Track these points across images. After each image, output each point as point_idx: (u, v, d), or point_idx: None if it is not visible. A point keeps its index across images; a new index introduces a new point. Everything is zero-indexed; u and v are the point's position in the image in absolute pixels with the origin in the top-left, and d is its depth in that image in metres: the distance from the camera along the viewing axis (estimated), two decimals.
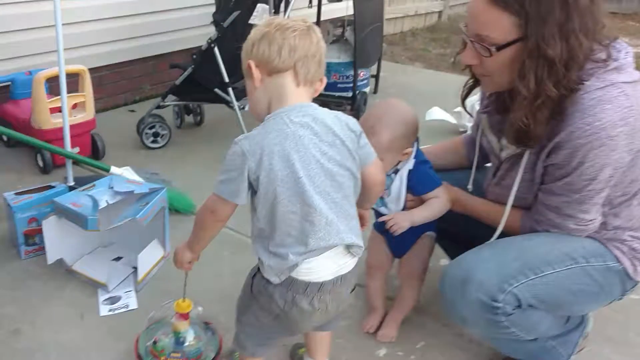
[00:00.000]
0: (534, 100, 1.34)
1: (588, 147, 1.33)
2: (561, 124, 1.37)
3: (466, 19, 1.42)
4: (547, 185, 1.48)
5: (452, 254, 2.05)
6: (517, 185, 1.52)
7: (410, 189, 1.68)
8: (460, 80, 1.69)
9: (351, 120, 1.33)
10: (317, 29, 1.32)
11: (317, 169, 1.25)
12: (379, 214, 1.79)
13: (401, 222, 1.62)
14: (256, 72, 1.29)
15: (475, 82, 1.59)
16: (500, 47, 1.35)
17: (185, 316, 1.64)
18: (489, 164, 1.84)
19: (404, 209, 1.69)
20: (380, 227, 1.83)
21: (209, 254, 2.26)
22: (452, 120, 3.61)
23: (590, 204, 1.44)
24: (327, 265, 1.31)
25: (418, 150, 1.69)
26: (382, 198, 1.70)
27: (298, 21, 1.31)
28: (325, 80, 1.35)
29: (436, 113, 3.64)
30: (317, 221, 1.26)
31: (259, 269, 1.35)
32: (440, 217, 1.70)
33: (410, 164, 1.67)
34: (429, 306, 2.01)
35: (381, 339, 1.87)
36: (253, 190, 1.28)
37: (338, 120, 1.31)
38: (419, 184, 1.67)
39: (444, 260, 2.16)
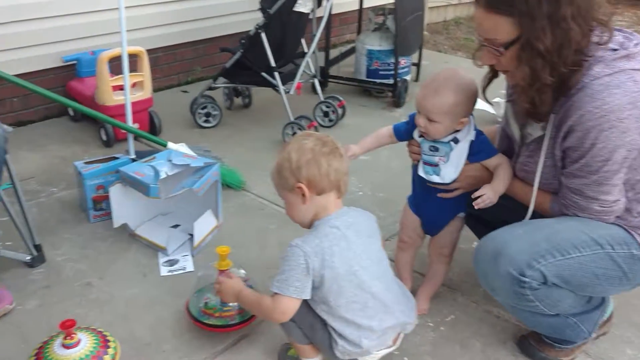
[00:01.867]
0: (529, 88, 1.50)
1: (598, 129, 1.46)
2: (572, 109, 1.49)
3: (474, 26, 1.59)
4: (567, 168, 1.59)
5: (478, 233, 2.16)
6: (540, 171, 1.64)
7: (471, 155, 1.75)
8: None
9: (373, 215, 1.64)
10: (341, 146, 1.56)
11: (367, 260, 1.51)
12: (420, 187, 1.87)
13: (491, 198, 1.68)
14: (307, 193, 1.49)
15: (494, 74, 1.72)
16: (507, 46, 1.50)
17: (224, 274, 1.77)
18: None
19: (456, 178, 1.77)
20: (415, 208, 1.94)
21: (257, 225, 2.48)
22: (491, 110, 3.68)
23: (609, 185, 1.55)
24: (388, 345, 1.59)
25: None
26: (436, 165, 1.78)
27: (329, 141, 1.53)
28: None
29: (477, 103, 3.72)
30: (376, 305, 1.52)
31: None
32: (471, 205, 1.78)
33: (472, 135, 1.74)
34: (460, 284, 2.15)
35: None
36: (314, 286, 1.49)
37: (367, 216, 1.61)
38: (482, 152, 1.75)
39: (477, 242, 2.28)
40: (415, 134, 1.81)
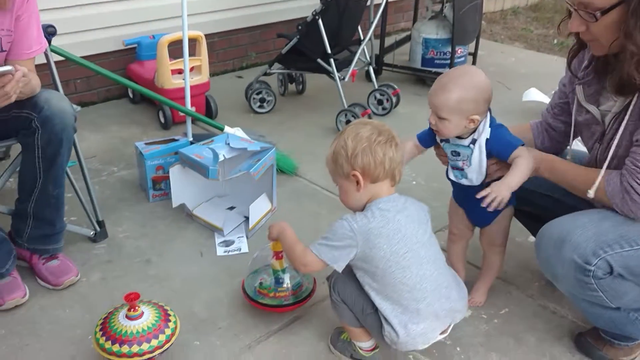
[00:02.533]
0: (631, 59, 1.42)
1: None
2: None
3: None
4: None
5: (533, 229, 2.12)
6: (623, 128, 1.53)
7: (494, 155, 1.70)
8: (562, 61, 1.76)
9: (425, 205, 1.64)
10: (396, 135, 1.54)
11: (417, 244, 1.52)
12: (457, 186, 1.83)
13: (502, 194, 1.62)
14: (362, 181, 1.50)
15: (580, 47, 1.66)
16: (605, 11, 1.42)
17: (278, 255, 1.83)
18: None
19: (486, 176, 1.72)
20: (460, 200, 1.90)
21: (309, 210, 2.50)
22: (547, 101, 3.60)
23: None
24: (437, 330, 1.59)
25: (492, 118, 1.71)
26: (462, 170, 1.75)
27: (385, 130, 1.53)
28: None
29: (533, 94, 3.64)
30: (425, 288, 1.52)
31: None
32: (522, 199, 1.72)
33: (486, 132, 1.69)
34: (515, 277, 2.12)
35: (470, 303, 1.96)
36: (363, 268, 1.53)
37: (419, 205, 1.61)
38: (501, 149, 1.67)
39: (533, 238, 2.25)
40: (438, 138, 1.77)
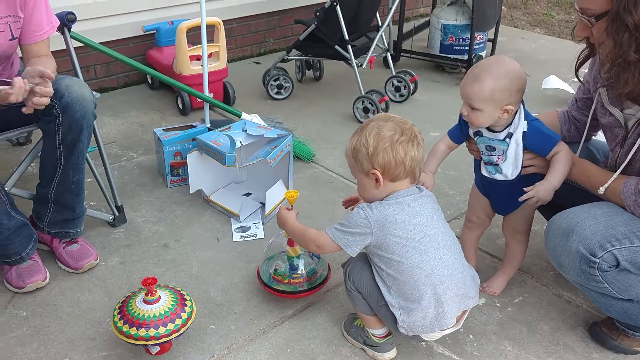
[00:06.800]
0: (612, 64, 1.46)
1: None
2: None
3: None
4: None
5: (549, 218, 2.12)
6: None
7: (532, 150, 1.70)
8: (582, 48, 1.74)
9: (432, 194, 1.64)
10: (419, 132, 1.54)
11: (433, 229, 1.53)
12: (483, 177, 1.81)
13: (545, 196, 1.64)
14: (381, 179, 1.50)
15: (590, 52, 1.65)
16: (598, 18, 1.45)
17: (292, 242, 1.85)
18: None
19: (521, 170, 1.72)
20: (486, 190, 1.89)
21: (325, 197, 2.51)
22: (569, 89, 3.56)
23: None
24: (449, 324, 1.58)
25: (526, 111, 1.70)
26: (496, 165, 1.74)
27: (407, 128, 1.51)
28: None
29: (553, 82, 3.60)
30: (441, 272, 1.52)
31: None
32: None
33: (523, 125, 1.68)
34: (530, 266, 2.11)
35: (485, 291, 1.97)
36: (379, 255, 1.53)
37: (430, 195, 1.61)
38: (542, 144, 1.67)
39: None
40: (471, 132, 1.76)
